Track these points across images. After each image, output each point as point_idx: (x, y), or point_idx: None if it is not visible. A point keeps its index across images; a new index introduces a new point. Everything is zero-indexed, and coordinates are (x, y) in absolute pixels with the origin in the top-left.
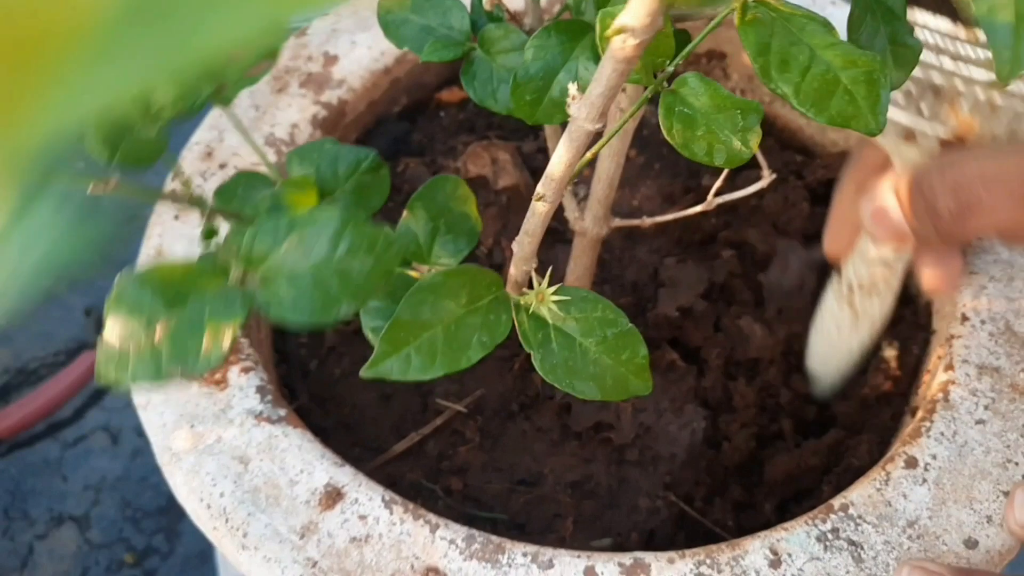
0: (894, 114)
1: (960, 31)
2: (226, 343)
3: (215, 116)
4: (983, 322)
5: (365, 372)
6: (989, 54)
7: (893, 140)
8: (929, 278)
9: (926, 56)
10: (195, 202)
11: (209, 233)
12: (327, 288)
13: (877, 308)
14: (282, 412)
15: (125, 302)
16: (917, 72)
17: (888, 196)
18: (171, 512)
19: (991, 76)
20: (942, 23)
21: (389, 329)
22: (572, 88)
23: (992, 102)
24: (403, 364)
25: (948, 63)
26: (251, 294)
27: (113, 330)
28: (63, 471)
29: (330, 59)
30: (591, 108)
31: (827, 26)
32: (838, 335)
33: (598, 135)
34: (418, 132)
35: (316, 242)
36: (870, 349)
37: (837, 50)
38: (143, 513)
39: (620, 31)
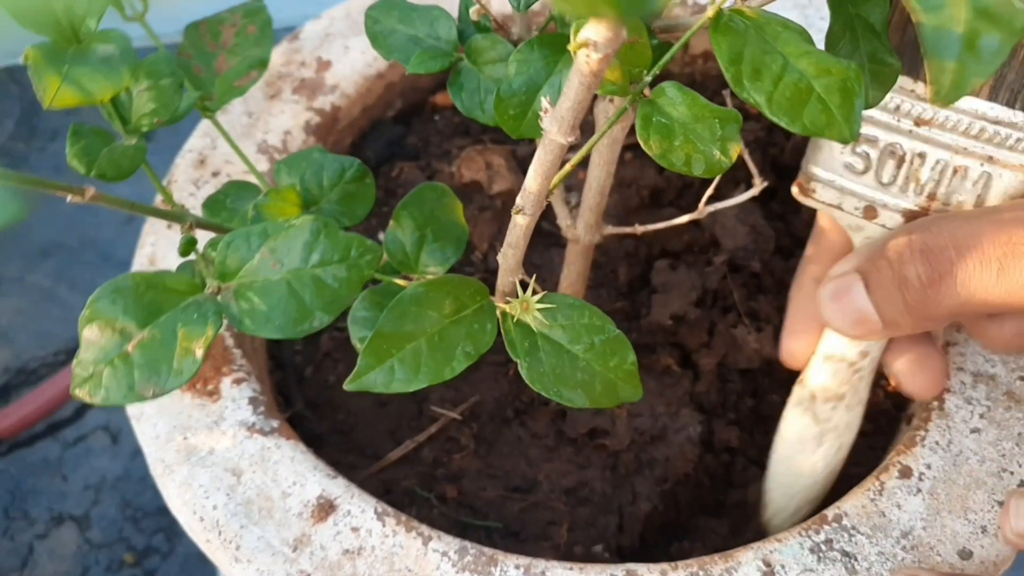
0: (854, 186)
1: (919, 87)
2: (199, 356)
3: (208, 123)
4: None
5: (348, 385)
6: (954, 115)
7: (852, 218)
8: (908, 381)
9: (886, 118)
10: (176, 215)
11: (188, 245)
12: (301, 298)
13: (844, 419)
14: (275, 423)
15: (98, 317)
16: (879, 135)
17: (849, 275)
18: (170, 512)
19: (959, 139)
20: (902, 79)
21: (371, 341)
22: (544, 102)
23: (958, 166)
24: (387, 376)
25: (909, 124)
26: (225, 306)
27: (87, 347)
28: (63, 471)
29: (323, 64)
30: (561, 122)
31: (803, 34)
32: (801, 452)
33: (579, 145)
34: (413, 136)
35: (289, 251)
36: (836, 472)
37: (811, 58)
38: (143, 513)
39: (583, 45)
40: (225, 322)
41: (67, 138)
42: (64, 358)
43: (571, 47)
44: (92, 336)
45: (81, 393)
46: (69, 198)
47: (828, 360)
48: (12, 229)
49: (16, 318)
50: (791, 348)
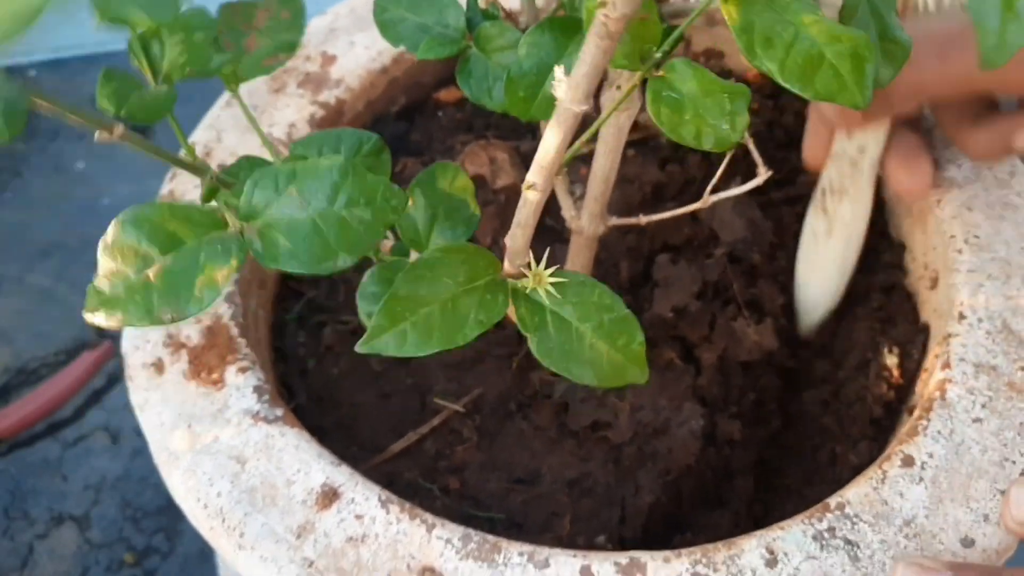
0: None
1: None
2: (220, 285)
3: (214, 116)
4: (980, 320)
5: (360, 346)
6: None
7: None
8: (898, 180)
9: None
10: (197, 168)
11: (211, 192)
12: (325, 238)
13: (848, 212)
14: (279, 412)
15: (119, 244)
16: None
17: None
18: (171, 511)
19: None
20: None
21: (386, 303)
22: (558, 72)
23: None
24: (399, 339)
25: None
26: (248, 242)
27: (105, 272)
28: (63, 471)
29: (328, 59)
30: (576, 88)
31: (812, 4)
32: (815, 246)
33: (587, 123)
34: (416, 132)
35: (316, 193)
36: (850, 269)
37: (821, 27)
38: (143, 513)
39: (602, 5)
40: (230, 312)
41: (98, 81)
42: (64, 358)
43: (588, 6)
44: (110, 259)
45: (95, 317)
46: (97, 135)
47: (833, 158)
48: (13, 229)
49: (16, 318)
50: (810, 153)
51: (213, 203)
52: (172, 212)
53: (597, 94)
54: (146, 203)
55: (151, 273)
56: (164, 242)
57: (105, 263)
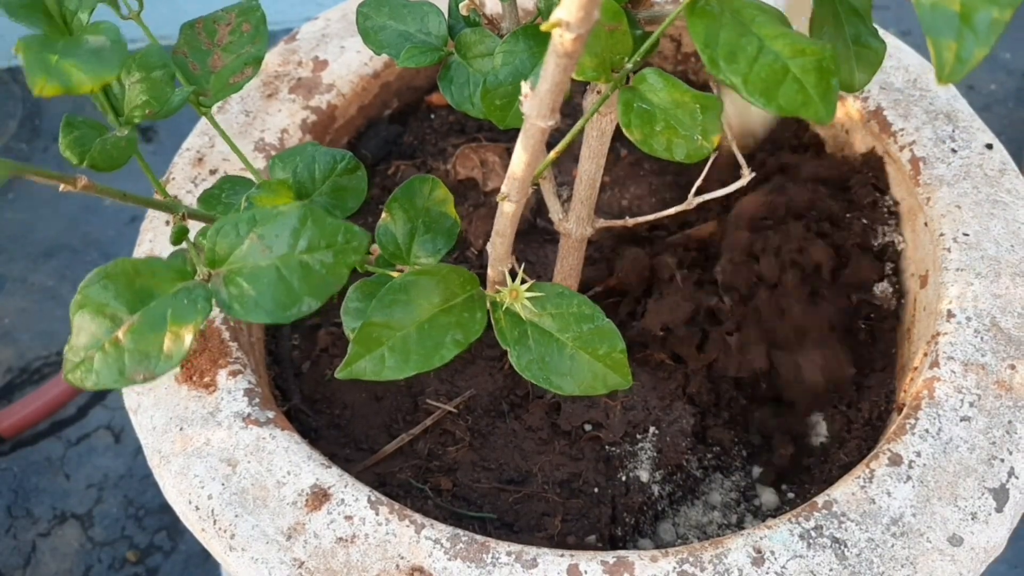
0: None
1: None
2: (187, 341)
3: (207, 122)
4: (969, 319)
5: (339, 373)
6: None
7: None
8: None
9: None
10: (168, 206)
11: (179, 234)
12: (289, 283)
13: None
14: (270, 414)
15: (89, 304)
16: None
17: None
18: (173, 510)
19: None
20: None
21: (361, 330)
22: (525, 87)
23: None
24: (377, 364)
25: None
26: (214, 291)
27: (79, 332)
28: (66, 469)
29: (320, 64)
30: (540, 105)
31: (779, 17)
32: None
33: (562, 133)
34: (409, 135)
35: (277, 238)
36: None
37: (786, 40)
38: (145, 511)
39: (556, 25)
40: (222, 316)
41: (60, 129)
42: None
43: (543, 27)
44: (83, 322)
45: (73, 378)
46: (61, 187)
47: None
48: (16, 229)
49: (19, 318)
50: None
51: (183, 244)
52: (138, 268)
53: (582, 94)
54: (113, 261)
55: (120, 333)
56: (132, 300)
57: (77, 324)
